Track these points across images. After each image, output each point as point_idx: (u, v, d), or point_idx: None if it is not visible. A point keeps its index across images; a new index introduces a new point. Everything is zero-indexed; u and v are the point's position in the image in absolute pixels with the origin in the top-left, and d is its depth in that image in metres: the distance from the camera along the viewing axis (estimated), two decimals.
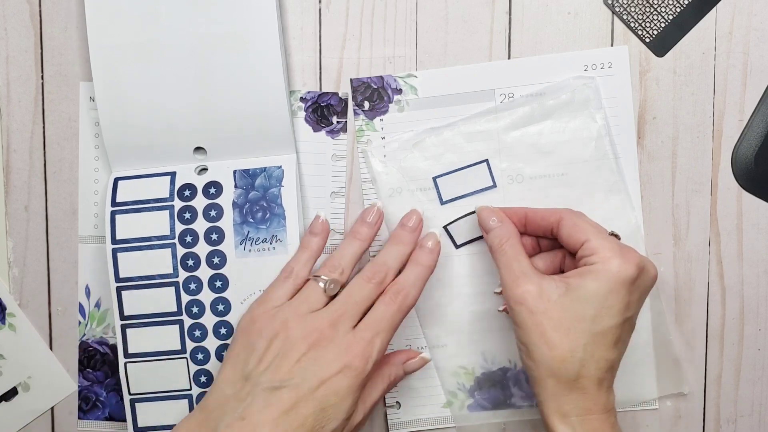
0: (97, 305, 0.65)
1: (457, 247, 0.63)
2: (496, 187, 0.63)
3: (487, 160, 0.62)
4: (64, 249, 0.65)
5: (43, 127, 0.64)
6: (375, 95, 0.63)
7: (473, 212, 0.62)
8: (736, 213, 0.63)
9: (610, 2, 0.62)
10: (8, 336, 0.65)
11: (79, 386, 0.65)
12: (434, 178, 0.63)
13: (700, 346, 0.63)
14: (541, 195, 0.62)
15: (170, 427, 0.62)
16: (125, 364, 0.62)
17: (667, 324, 0.63)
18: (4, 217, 0.65)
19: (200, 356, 0.62)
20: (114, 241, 0.61)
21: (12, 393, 0.65)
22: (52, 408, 0.66)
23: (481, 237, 0.62)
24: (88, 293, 0.65)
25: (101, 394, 0.65)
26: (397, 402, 0.64)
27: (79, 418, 0.65)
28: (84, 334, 0.65)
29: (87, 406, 0.65)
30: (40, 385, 0.65)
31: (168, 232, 0.61)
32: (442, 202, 0.63)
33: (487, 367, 0.64)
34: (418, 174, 0.63)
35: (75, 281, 0.65)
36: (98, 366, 0.65)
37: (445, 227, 0.63)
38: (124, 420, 0.65)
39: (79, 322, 0.65)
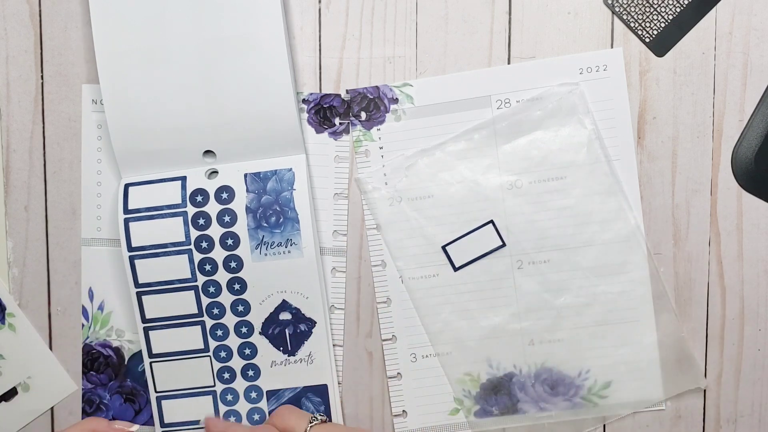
0: (101, 308, 0.65)
1: (456, 269, 0.63)
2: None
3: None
4: (64, 249, 0.65)
5: (43, 127, 0.64)
6: (371, 105, 0.63)
7: (471, 232, 0.62)
8: (736, 213, 0.63)
9: (610, 2, 0.62)
10: (8, 336, 0.65)
11: (83, 389, 0.65)
12: (443, 247, 0.63)
13: (700, 346, 0.64)
14: (540, 204, 0.62)
15: (195, 422, 0.64)
16: (150, 363, 0.63)
17: (678, 321, 0.63)
18: (4, 217, 0.65)
19: (223, 354, 0.63)
20: (130, 248, 0.62)
21: (12, 393, 0.65)
22: (52, 408, 0.66)
23: (479, 257, 0.62)
24: (91, 296, 0.65)
25: (105, 396, 0.65)
26: (404, 410, 0.64)
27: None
28: (87, 337, 0.65)
29: (91, 409, 0.65)
30: (39, 385, 0.65)
31: (183, 239, 0.61)
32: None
33: (493, 373, 0.64)
34: (414, 192, 0.63)
35: (75, 281, 0.65)
36: (102, 369, 0.65)
37: (443, 247, 0.63)
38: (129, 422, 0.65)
39: (83, 325, 0.65)
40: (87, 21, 0.62)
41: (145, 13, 0.60)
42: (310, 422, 0.59)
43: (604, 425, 0.64)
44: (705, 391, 0.64)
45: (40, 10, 0.63)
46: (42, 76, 0.64)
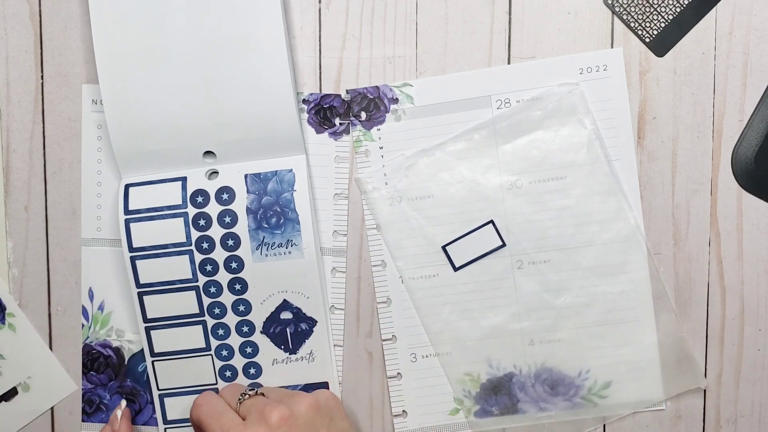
0: (101, 308, 0.65)
1: (456, 269, 0.63)
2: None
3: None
4: (64, 249, 0.65)
5: (43, 127, 0.64)
6: (371, 105, 0.63)
7: (471, 232, 0.62)
8: (736, 213, 0.63)
9: (610, 2, 0.62)
10: (8, 336, 0.65)
11: (82, 389, 0.65)
12: (443, 247, 0.63)
13: (700, 346, 0.64)
14: (540, 204, 0.62)
15: None
16: (152, 361, 0.63)
17: (678, 321, 0.63)
18: (4, 217, 0.65)
19: (225, 353, 0.63)
20: (131, 249, 0.62)
21: (12, 393, 0.65)
22: (52, 408, 0.66)
23: (479, 257, 0.63)
24: (91, 296, 0.65)
25: (105, 396, 0.65)
26: (404, 411, 0.64)
27: (83, 420, 0.65)
28: (87, 337, 0.65)
29: (91, 409, 0.65)
30: (39, 385, 0.65)
31: (184, 239, 0.62)
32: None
33: (493, 373, 0.64)
34: (414, 192, 0.63)
35: (75, 281, 0.65)
36: (102, 369, 0.65)
37: (443, 247, 0.63)
38: None
39: (83, 325, 0.65)
40: (87, 21, 0.62)
41: (145, 13, 0.60)
42: (239, 400, 0.59)
43: (604, 425, 0.64)
44: (705, 391, 0.64)
45: (40, 10, 0.63)
46: (42, 76, 0.64)
